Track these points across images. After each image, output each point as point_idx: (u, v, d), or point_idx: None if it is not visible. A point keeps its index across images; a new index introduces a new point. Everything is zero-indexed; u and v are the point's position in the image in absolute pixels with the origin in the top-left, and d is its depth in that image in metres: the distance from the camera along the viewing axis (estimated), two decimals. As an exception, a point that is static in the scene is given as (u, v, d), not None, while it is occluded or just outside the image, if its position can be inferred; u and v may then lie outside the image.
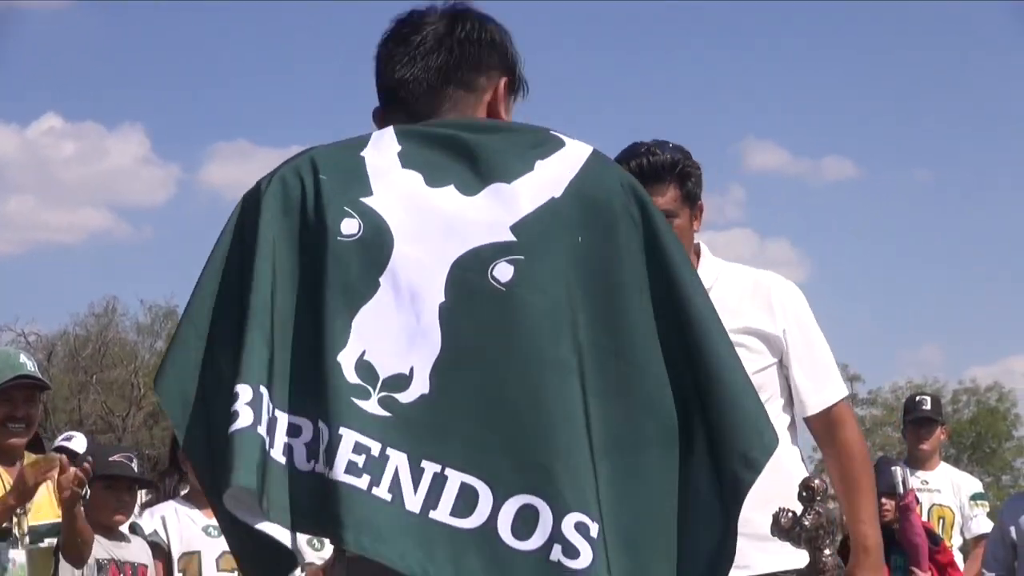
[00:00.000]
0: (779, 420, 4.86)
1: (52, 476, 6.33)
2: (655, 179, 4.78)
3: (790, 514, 4.34)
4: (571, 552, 2.92)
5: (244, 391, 2.97)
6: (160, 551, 7.55)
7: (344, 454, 2.94)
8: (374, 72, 3.47)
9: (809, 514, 4.35)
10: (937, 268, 72.23)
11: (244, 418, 2.94)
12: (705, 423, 3.10)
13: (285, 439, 3.00)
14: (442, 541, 2.93)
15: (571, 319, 3.09)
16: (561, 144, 3.26)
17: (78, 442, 9.84)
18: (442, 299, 3.07)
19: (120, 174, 68.23)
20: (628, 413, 3.09)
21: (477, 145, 3.24)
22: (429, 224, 3.15)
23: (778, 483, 4.34)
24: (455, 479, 2.97)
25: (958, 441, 53.05)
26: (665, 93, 69.18)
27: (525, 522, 2.95)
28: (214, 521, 7.63)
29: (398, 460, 2.96)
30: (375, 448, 2.96)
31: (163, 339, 50.68)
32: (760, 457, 3.08)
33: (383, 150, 3.23)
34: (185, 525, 7.69)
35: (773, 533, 4.40)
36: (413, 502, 2.95)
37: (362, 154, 3.22)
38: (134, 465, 7.39)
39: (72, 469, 6.26)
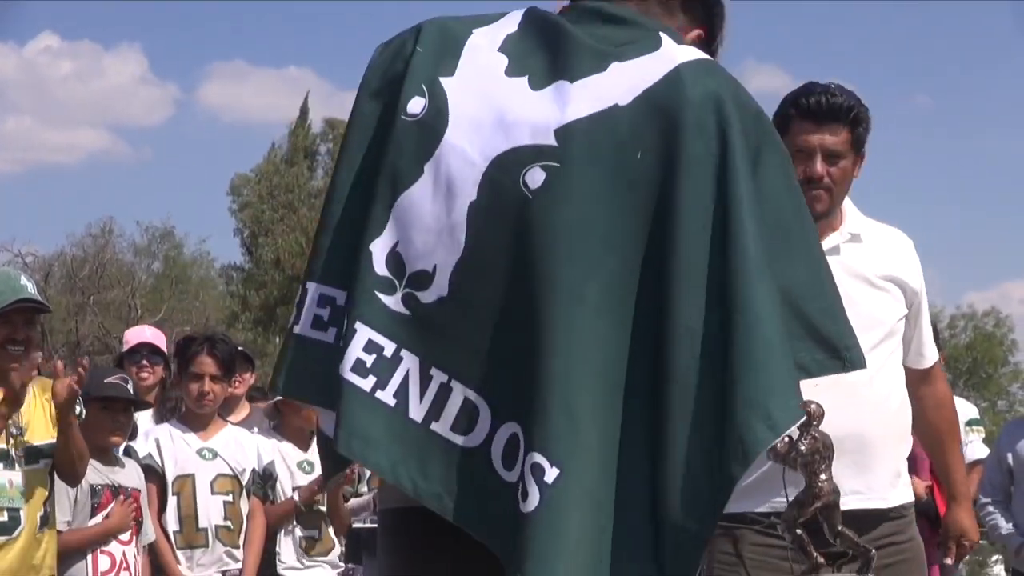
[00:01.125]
0: (899, 367, 5.04)
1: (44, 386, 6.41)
2: (831, 118, 4.85)
3: (786, 439, 4.33)
4: (523, 493, 2.78)
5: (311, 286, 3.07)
6: (154, 474, 7.56)
7: (354, 351, 2.88)
8: None
9: (805, 439, 4.33)
10: (935, 194, 72.26)
11: (304, 319, 3.05)
12: (726, 382, 2.87)
13: (314, 311, 3.03)
14: (438, 456, 2.89)
15: (601, 241, 2.87)
16: (656, 46, 3.00)
17: None
18: (474, 197, 2.94)
19: (118, 94, 68.13)
20: (641, 360, 2.87)
21: (568, 36, 3.05)
22: (486, 115, 2.99)
23: (908, 422, 4.99)
24: (459, 392, 2.89)
25: (954, 367, 53.23)
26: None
27: (511, 452, 2.85)
28: (209, 444, 7.69)
29: (410, 364, 2.90)
30: (389, 349, 2.90)
31: (160, 260, 50.75)
32: (783, 420, 3.02)
33: (498, 29, 3.09)
34: (180, 448, 7.71)
35: (769, 458, 4.39)
36: (417, 410, 2.89)
37: (475, 30, 3.08)
38: (129, 387, 7.38)
39: (67, 378, 6.25)
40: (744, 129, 2.90)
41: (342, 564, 8.09)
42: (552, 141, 2.92)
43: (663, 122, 2.89)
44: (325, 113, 48.44)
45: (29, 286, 6.69)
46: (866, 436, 4.78)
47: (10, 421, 6.46)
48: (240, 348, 9.14)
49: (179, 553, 7.59)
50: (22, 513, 6.48)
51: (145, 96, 69.15)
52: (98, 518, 7.13)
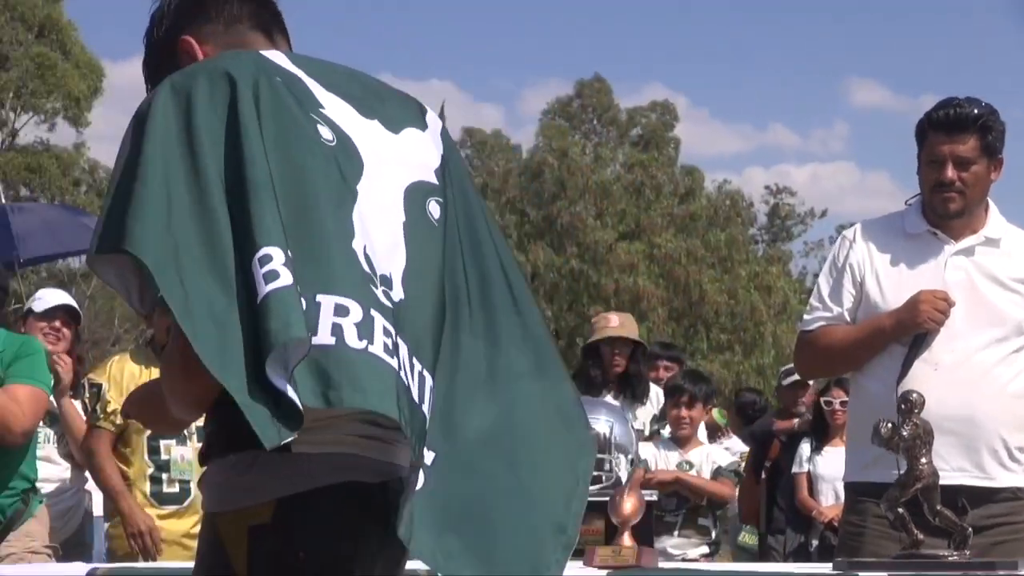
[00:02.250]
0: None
1: None
2: (959, 128, 4.94)
3: (889, 425, 4.36)
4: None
5: (276, 253, 2.74)
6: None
7: (379, 335, 2.84)
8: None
9: (907, 425, 4.36)
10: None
11: (285, 278, 2.71)
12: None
13: (332, 320, 2.80)
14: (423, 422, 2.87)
15: (462, 258, 3.11)
16: (426, 108, 3.28)
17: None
18: (404, 218, 3.04)
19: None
20: (494, 346, 3.09)
21: (379, 88, 3.23)
22: (378, 148, 3.09)
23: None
24: (428, 382, 2.92)
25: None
26: (774, 33, 68.41)
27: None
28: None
29: (403, 353, 2.89)
30: (393, 336, 2.87)
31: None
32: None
33: (292, 67, 3.08)
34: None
35: (874, 442, 4.43)
36: (414, 388, 2.87)
37: (286, 67, 3.05)
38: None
39: None
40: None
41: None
42: (435, 180, 3.13)
43: (458, 167, 3.22)
44: (463, 122, 48.61)
45: None
46: (976, 418, 4.87)
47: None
48: None
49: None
50: (192, 485, 6.61)
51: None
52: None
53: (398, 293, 2.93)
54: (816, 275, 41.55)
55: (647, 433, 8.56)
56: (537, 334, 3.15)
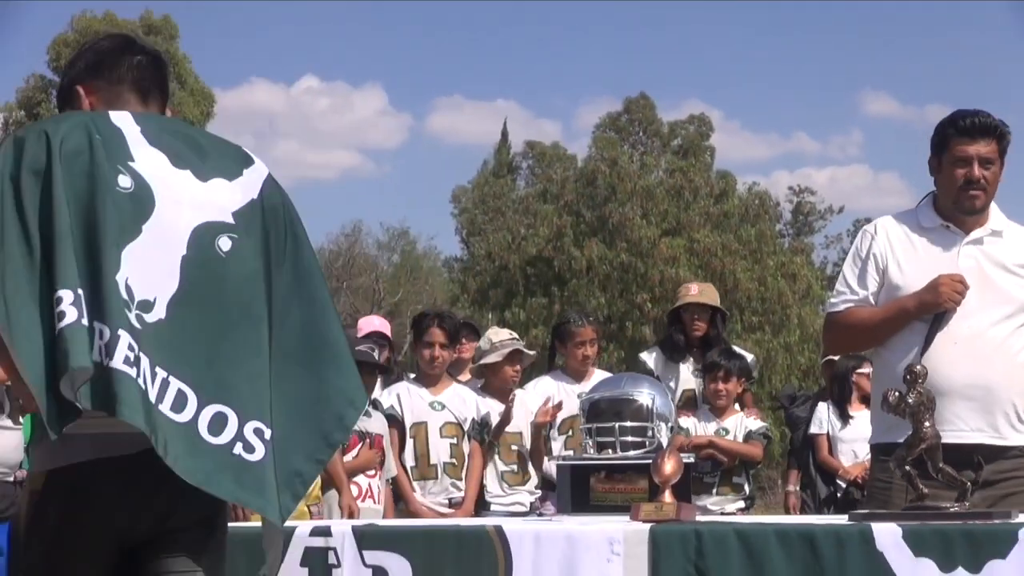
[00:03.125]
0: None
1: None
2: (983, 133, 5.04)
3: (896, 393, 4.33)
4: (249, 448, 3.32)
5: (67, 295, 3.13)
6: (396, 421, 7.65)
7: (121, 350, 3.17)
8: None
9: (912, 393, 4.34)
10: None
11: (70, 315, 3.12)
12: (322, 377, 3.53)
13: (98, 342, 3.18)
14: (164, 427, 3.22)
15: (266, 282, 3.47)
16: (253, 160, 3.59)
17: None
18: (184, 252, 3.36)
19: (364, 123, 69.12)
20: (290, 349, 3.49)
21: (205, 143, 3.56)
22: (178, 195, 3.40)
23: None
24: (175, 385, 3.27)
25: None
26: (797, 54, 68.10)
27: (218, 424, 3.30)
28: (439, 398, 7.75)
29: (145, 364, 3.22)
30: (136, 352, 3.20)
31: (397, 254, 51.22)
32: (360, 405, 3.62)
33: (128, 126, 3.43)
34: (415, 401, 7.78)
35: (883, 409, 4.41)
36: (153, 394, 3.23)
37: (116, 125, 3.41)
38: (375, 354, 7.50)
39: None
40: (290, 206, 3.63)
41: (538, 491, 8.11)
42: (231, 220, 3.45)
43: (273, 210, 3.54)
44: (525, 136, 48.62)
45: None
46: (990, 385, 4.94)
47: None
48: (467, 320, 9.19)
49: (415, 484, 7.68)
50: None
51: (385, 125, 70.16)
52: (347, 457, 7.20)
53: (157, 315, 3.30)
54: (836, 264, 41.61)
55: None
56: (316, 332, 3.57)
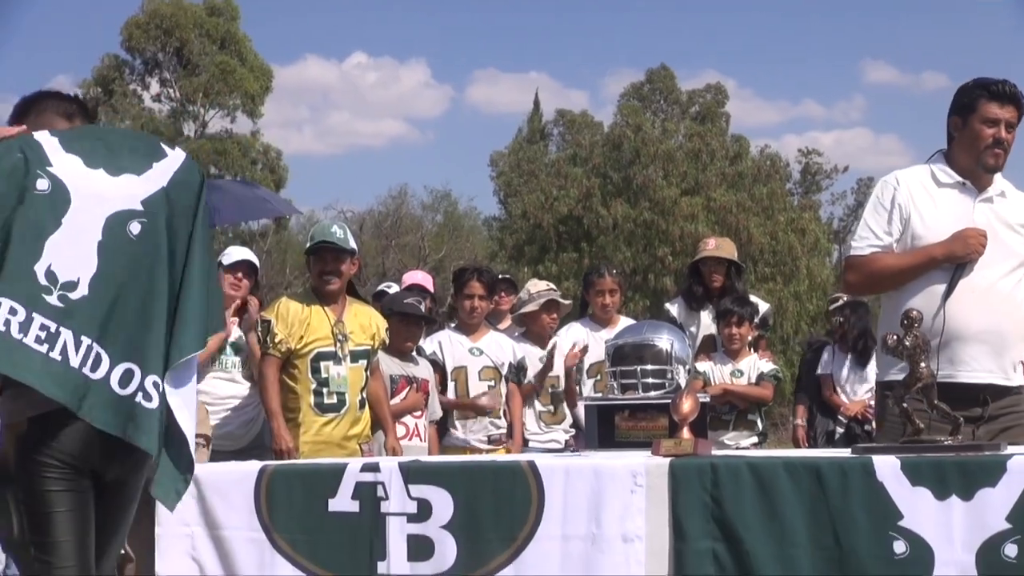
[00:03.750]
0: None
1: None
2: (1010, 100, 5.06)
3: (895, 337, 4.31)
4: (147, 398, 3.86)
5: None
6: (437, 366, 7.68)
7: (34, 330, 3.72)
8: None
9: (909, 336, 4.31)
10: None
11: None
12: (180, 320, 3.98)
13: (6, 316, 3.69)
14: (82, 384, 3.77)
15: (169, 259, 3.94)
16: (165, 153, 4.05)
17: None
18: (100, 238, 3.84)
19: (410, 94, 68.91)
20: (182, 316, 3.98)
21: (116, 145, 4.03)
22: (92, 190, 3.87)
23: None
24: (95, 348, 3.79)
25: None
26: (804, 26, 67.59)
27: (126, 378, 3.83)
28: (477, 344, 7.76)
29: (66, 335, 3.76)
30: (52, 327, 3.74)
31: (441, 214, 51.19)
32: (201, 339, 4.03)
33: (46, 139, 3.91)
34: (456, 347, 7.80)
35: (883, 351, 4.39)
36: (75, 360, 3.77)
37: (37, 139, 3.89)
38: (422, 306, 7.51)
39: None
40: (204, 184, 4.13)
41: (572, 430, 8.13)
42: (139, 207, 3.93)
43: (186, 190, 4.04)
44: (556, 105, 48.47)
45: (338, 232, 6.76)
46: (1002, 332, 4.95)
47: (336, 330, 6.62)
48: (504, 276, 9.19)
49: (456, 422, 7.71)
50: (347, 396, 6.64)
51: (428, 96, 69.83)
52: (396, 400, 7.24)
53: (81, 292, 3.79)
54: (841, 219, 41.22)
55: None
56: (185, 308, 3.97)
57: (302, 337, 6.55)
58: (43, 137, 3.89)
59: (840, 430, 9.73)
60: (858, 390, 9.66)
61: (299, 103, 72.69)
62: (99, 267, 3.81)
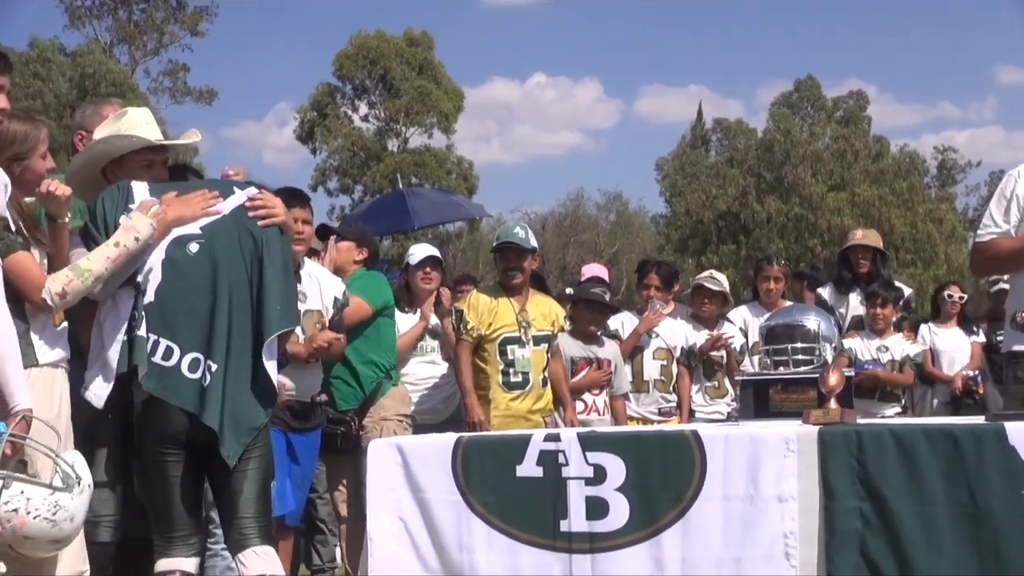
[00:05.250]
0: None
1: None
2: None
3: (1022, 314, 4.18)
4: (204, 379, 4.18)
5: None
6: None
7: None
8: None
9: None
10: None
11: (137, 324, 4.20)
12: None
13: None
14: (165, 373, 4.19)
15: (227, 272, 4.29)
16: (234, 191, 4.48)
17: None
18: (163, 256, 4.28)
19: (585, 109, 69.23)
20: (245, 318, 4.30)
21: (192, 189, 4.47)
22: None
23: None
24: (164, 343, 4.21)
25: None
26: (940, 35, 65.75)
27: (194, 366, 4.21)
28: (654, 327, 7.72)
29: (152, 336, 4.19)
30: (143, 330, 4.19)
31: (614, 213, 51.14)
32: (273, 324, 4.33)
33: (137, 187, 4.38)
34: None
35: (1012, 328, 4.26)
36: (157, 357, 4.19)
37: (130, 186, 4.37)
38: (606, 296, 7.46)
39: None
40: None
41: (734, 403, 8.05)
42: (199, 232, 4.36)
43: (244, 222, 4.42)
44: (714, 114, 48.10)
45: (520, 232, 6.78)
46: None
47: (520, 318, 6.67)
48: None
49: (631, 396, 7.68)
50: (530, 375, 6.68)
51: (601, 109, 70.18)
52: (575, 379, 7.24)
53: (148, 299, 4.21)
54: (975, 209, 40.17)
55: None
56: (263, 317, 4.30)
57: (491, 324, 6.62)
58: (134, 184, 4.40)
59: (936, 399, 9.42)
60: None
61: (487, 119, 73.63)
62: (163, 279, 4.25)
